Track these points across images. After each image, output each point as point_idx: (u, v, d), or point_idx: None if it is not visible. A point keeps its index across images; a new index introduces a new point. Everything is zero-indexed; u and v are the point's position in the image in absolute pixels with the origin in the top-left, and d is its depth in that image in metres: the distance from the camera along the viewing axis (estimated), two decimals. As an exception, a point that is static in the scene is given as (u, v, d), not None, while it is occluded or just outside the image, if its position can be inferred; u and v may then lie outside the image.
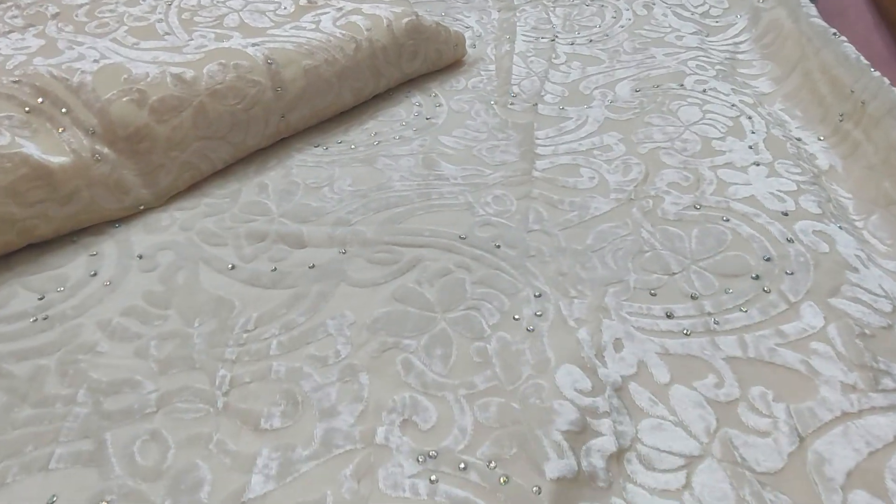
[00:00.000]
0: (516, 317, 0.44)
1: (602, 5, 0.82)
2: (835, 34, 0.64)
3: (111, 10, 0.65)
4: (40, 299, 0.46)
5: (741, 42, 0.76)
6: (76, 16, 0.64)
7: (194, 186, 0.57)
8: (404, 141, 0.60)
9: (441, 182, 0.55)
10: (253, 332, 0.44)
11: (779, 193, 0.53)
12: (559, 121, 0.63)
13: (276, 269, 0.48)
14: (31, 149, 0.49)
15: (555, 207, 0.53)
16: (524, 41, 0.75)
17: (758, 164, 0.56)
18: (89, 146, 0.51)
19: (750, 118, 0.62)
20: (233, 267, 0.48)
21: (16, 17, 0.64)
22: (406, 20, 0.66)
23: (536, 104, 0.65)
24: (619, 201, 0.53)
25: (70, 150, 0.50)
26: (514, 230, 0.51)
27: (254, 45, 0.60)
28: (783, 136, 0.60)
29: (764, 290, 0.45)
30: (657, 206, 0.53)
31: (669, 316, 0.44)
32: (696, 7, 0.81)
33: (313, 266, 0.48)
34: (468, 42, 0.75)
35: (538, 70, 0.70)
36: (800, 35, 0.68)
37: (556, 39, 0.76)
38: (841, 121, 0.59)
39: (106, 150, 0.51)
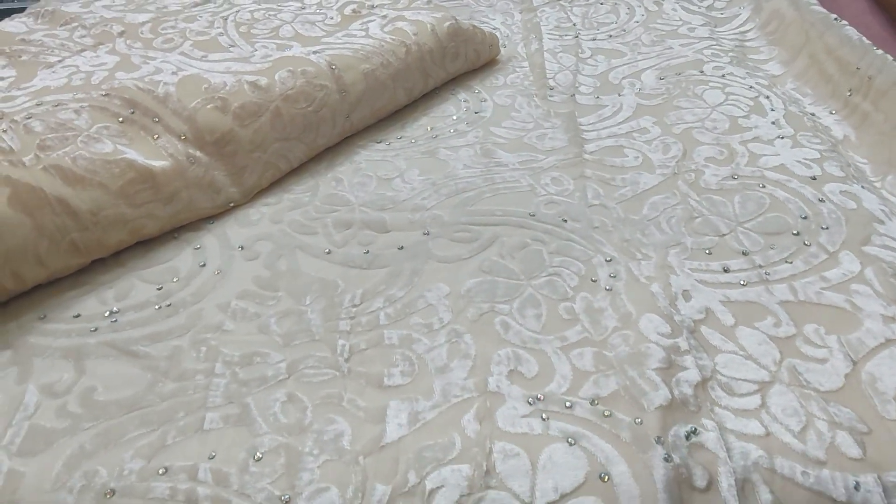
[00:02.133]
0: (594, 279, 0.49)
1: (615, 3, 0.87)
2: (836, 19, 0.70)
3: (172, 27, 0.69)
4: (159, 289, 0.50)
5: (747, 31, 0.81)
6: (141, 33, 0.68)
7: (274, 184, 0.61)
8: (459, 134, 0.65)
9: (501, 168, 0.60)
10: (360, 307, 0.48)
11: (805, 161, 0.58)
12: (597, 108, 0.68)
13: (367, 251, 0.53)
14: (133, 154, 0.53)
15: (608, 184, 0.58)
16: (550, 39, 0.80)
17: (782, 137, 0.62)
18: (183, 150, 0.55)
19: (768, 97, 0.67)
20: (329, 251, 0.53)
21: (84, 36, 0.68)
22: (447, 24, 0.71)
23: (574, 95, 0.70)
24: (664, 176, 0.59)
25: (167, 154, 0.54)
26: (576, 206, 0.56)
27: (315, 52, 0.64)
28: (799, 111, 0.65)
29: (805, 243, 0.51)
30: (699, 178, 0.58)
31: (726, 270, 0.49)
32: (701, 1, 0.87)
33: (402, 248, 0.53)
34: (499, 42, 0.80)
35: (568, 65, 0.75)
36: (802, 22, 0.74)
37: (580, 37, 0.81)
38: (850, 95, 0.65)
39: (198, 154, 0.55)
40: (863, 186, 0.55)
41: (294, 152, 0.61)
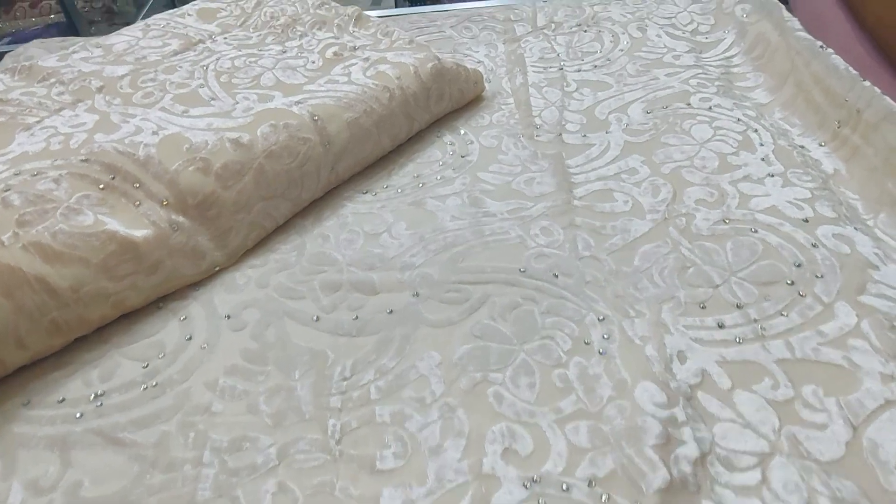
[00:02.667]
0: (587, 341, 0.47)
1: (599, 31, 0.85)
2: (822, 47, 0.69)
3: (152, 80, 0.67)
4: (145, 367, 0.48)
5: (732, 56, 0.80)
6: (120, 87, 0.66)
7: (260, 243, 0.59)
8: (446, 181, 0.63)
9: (490, 218, 0.59)
10: (351, 380, 0.46)
11: (796, 202, 0.57)
12: (584, 148, 0.66)
13: (357, 317, 0.51)
14: (115, 224, 0.51)
15: (598, 233, 0.56)
16: (535, 72, 0.79)
17: (772, 175, 0.60)
18: (165, 217, 0.53)
19: (756, 131, 0.66)
20: (317, 318, 0.51)
21: (62, 93, 0.66)
22: (430, 65, 0.69)
23: (560, 134, 0.68)
24: (655, 221, 0.57)
25: (149, 222, 0.52)
26: (567, 258, 0.54)
27: (297, 103, 0.62)
28: (788, 145, 0.64)
29: (799, 294, 0.49)
30: (690, 224, 0.56)
31: (721, 326, 0.48)
32: (685, 25, 0.85)
33: (391, 311, 0.51)
34: (484, 77, 0.78)
35: (554, 100, 0.73)
36: (788, 48, 0.73)
37: (564, 68, 0.79)
38: (839, 127, 0.64)
39: (181, 219, 0.53)
40: (856, 228, 0.54)
41: (279, 210, 0.59)
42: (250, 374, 0.47)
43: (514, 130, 0.70)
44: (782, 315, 0.48)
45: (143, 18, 1.88)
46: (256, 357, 0.49)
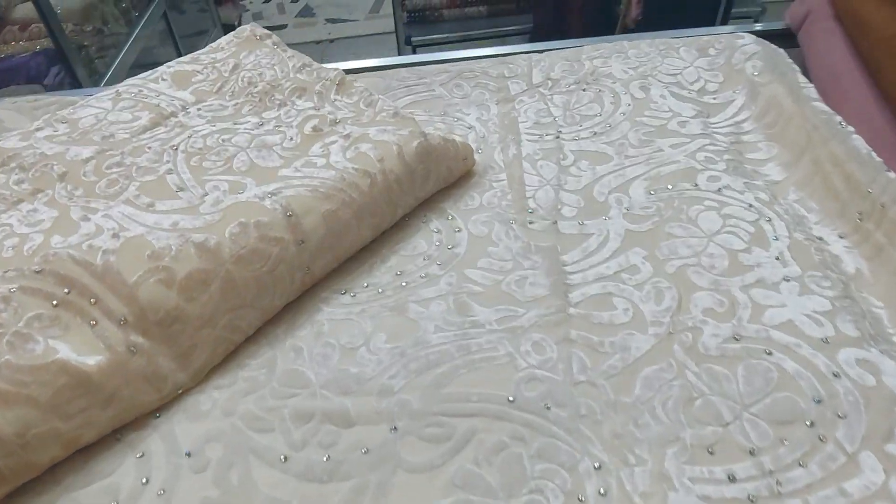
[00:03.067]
0: (581, 497, 0.42)
1: (599, 90, 0.79)
2: (841, 124, 0.63)
3: (118, 164, 0.62)
4: (94, 520, 0.44)
5: (743, 121, 0.74)
6: (84, 174, 0.61)
7: (228, 357, 0.54)
8: (430, 280, 0.58)
9: (477, 330, 0.53)
10: (318, 541, 0.42)
11: (815, 315, 0.52)
12: (581, 239, 0.61)
13: (328, 457, 0.46)
14: (66, 351, 0.46)
15: (596, 351, 0.51)
16: (529, 141, 0.73)
17: (788, 280, 0.55)
18: (123, 339, 0.48)
19: (769, 220, 0.60)
20: (285, 459, 0.46)
21: (22, 181, 0.61)
22: (416, 143, 0.63)
23: (556, 221, 0.63)
24: (658, 337, 0.52)
25: (105, 346, 0.47)
26: (561, 384, 0.49)
27: (270, 194, 0.57)
28: (805, 238, 0.58)
29: (820, 438, 0.44)
30: (697, 340, 0.51)
31: (732, 479, 0.43)
32: (691, 83, 0.79)
33: (366, 451, 0.46)
34: (474, 146, 0.73)
35: (549, 177, 0.68)
36: (804, 120, 0.67)
37: (561, 135, 0.73)
38: (860, 220, 0.58)
39: (140, 340, 0.49)
40: (881, 350, 0.48)
41: (248, 320, 0.54)
42: (208, 533, 0.43)
43: (506, 215, 0.64)
44: (800, 466, 0.43)
45: (134, 37, 1.82)
46: (216, 509, 0.44)
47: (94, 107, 0.71)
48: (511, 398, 0.48)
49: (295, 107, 0.70)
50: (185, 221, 0.55)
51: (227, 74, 0.75)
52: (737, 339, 0.51)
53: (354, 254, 0.62)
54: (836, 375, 0.47)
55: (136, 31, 1.82)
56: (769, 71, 0.76)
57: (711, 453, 0.44)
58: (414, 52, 2.07)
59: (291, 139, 0.66)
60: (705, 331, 0.52)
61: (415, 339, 0.53)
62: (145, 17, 1.84)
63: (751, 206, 0.62)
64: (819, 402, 0.46)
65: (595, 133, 0.74)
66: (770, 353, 0.49)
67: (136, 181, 0.60)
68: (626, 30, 1.86)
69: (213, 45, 0.81)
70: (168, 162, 0.62)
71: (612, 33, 1.87)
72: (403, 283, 0.58)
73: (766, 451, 0.44)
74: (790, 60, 0.75)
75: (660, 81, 0.79)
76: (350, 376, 0.51)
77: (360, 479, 0.45)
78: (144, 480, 0.46)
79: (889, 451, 0.43)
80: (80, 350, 0.47)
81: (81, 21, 1.77)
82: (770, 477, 0.43)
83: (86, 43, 1.75)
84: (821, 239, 0.60)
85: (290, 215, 0.56)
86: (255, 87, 0.73)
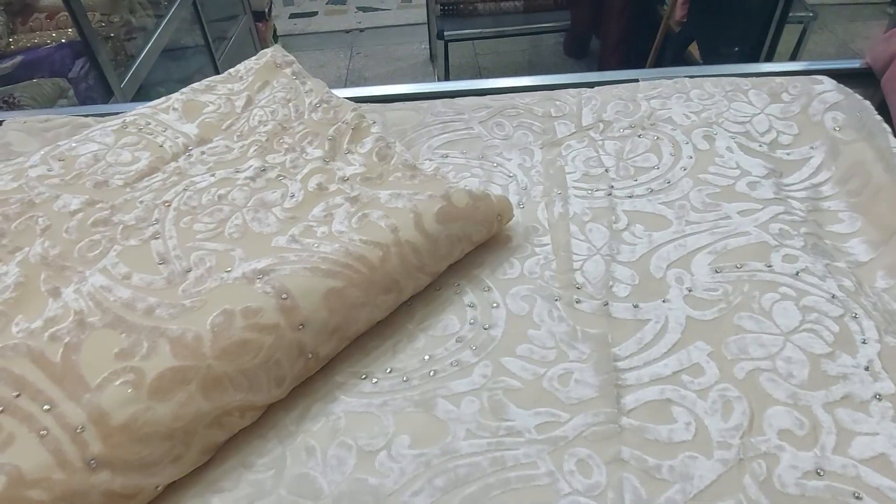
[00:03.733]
0: None
1: (657, 137, 0.72)
2: (945, 204, 0.55)
3: (104, 222, 0.56)
4: None
5: (821, 184, 0.66)
6: (66, 231, 0.56)
7: (233, 450, 0.48)
8: (462, 370, 0.52)
9: (514, 439, 0.47)
10: None
11: (913, 450, 0.44)
12: (636, 327, 0.54)
13: None
14: (14, 476, 0.40)
15: (652, 478, 0.44)
16: (577, 197, 0.66)
17: (879, 398, 0.47)
18: (79, 454, 0.42)
19: (856, 317, 0.52)
20: None
21: (4, 234, 0.56)
22: (437, 208, 0.56)
23: (607, 302, 0.56)
24: (725, 464, 0.45)
25: (57, 462, 0.41)
26: (610, 521, 0.42)
27: (261, 274, 0.50)
28: (899, 342, 0.50)
29: None
30: (772, 472, 0.44)
31: None
32: (762, 134, 0.71)
33: None
34: (515, 198, 0.65)
35: (600, 245, 0.61)
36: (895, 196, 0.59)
37: (613, 191, 0.66)
38: (967, 325, 0.50)
39: (98, 449, 0.42)
40: None
41: (240, 414, 0.48)
42: None
43: (550, 290, 0.57)
44: None
45: (162, 27, 1.76)
46: None
47: (96, 142, 0.65)
48: (552, 535, 0.42)
49: (304, 154, 0.64)
50: (161, 309, 0.49)
51: (238, 111, 0.69)
52: (819, 475, 0.44)
53: (376, 326, 0.55)
54: (941, 536, 0.40)
55: (164, 21, 1.76)
56: (854, 128, 0.67)
57: None
58: (446, 47, 1.99)
59: (293, 196, 0.59)
60: (782, 460, 0.45)
61: (443, 445, 0.47)
62: (174, 6, 1.78)
63: (834, 296, 0.54)
64: (922, 570, 0.39)
65: (651, 190, 0.66)
66: (860, 498, 0.42)
67: (118, 245, 0.55)
68: (670, 31, 1.77)
69: (233, 71, 0.75)
70: (157, 223, 0.57)
71: (655, 34, 1.77)
72: (431, 372, 0.52)
73: None
74: (879, 117, 0.67)
75: (726, 131, 0.71)
76: (368, 489, 0.45)
77: None
78: None
79: None
80: (29, 472, 0.40)
81: (108, 11, 1.71)
82: None
83: (112, 34, 1.70)
84: (917, 342, 0.52)
85: (284, 298, 0.49)
86: (265, 125, 0.66)
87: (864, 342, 0.51)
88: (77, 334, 0.47)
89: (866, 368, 0.49)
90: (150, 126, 0.67)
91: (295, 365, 0.49)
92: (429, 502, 0.44)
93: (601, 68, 2.07)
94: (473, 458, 0.46)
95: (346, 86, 2.39)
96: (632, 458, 0.46)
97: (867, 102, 0.70)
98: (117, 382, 0.44)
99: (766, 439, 0.46)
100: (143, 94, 1.55)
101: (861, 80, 0.81)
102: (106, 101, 1.41)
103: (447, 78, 2.03)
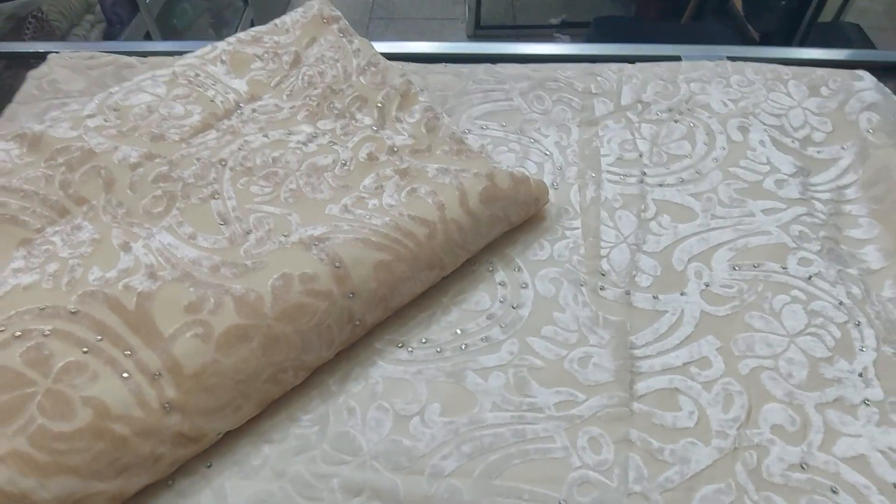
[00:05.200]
0: None
1: (692, 124, 0.75)
2: (961, 225, 0.59)
3: (164, 178, 0.61)
4: (147, 574, 0.47)
5: (846, 186, 0.70)
6: (130, 188, 0.60)
7: (282, 405, 0.55)
8: (491, 346, 0.58)
9: (534, 414, 0.54)
10: None
11: (890, 453, 0.51)
12: (654, 317, 0.60)
13: (374, 541, 0.48)
14: (101, 412, 0.47)
15: (654, 459, 0.52)
16: (610, 182, 0.70)
17: (868, 404, 0.54)
18: (157, 397, 0.48)
19: (859, 325, 0.58)
20: (332, 535, 0.48)
21: (68, 183, 0.60)
22: (481, 188, 0.61)
23: (629, 292, 0.61)
24: (721, 451, 0.52)
25: (139, 403, 0.48)
26: (614, 493, 0.50)
27: (317, 242, 0.56)
28: (894, 353, 0.56)
29: None
30: (762, 461, 0.51)
31: None
32: (796, 130, 0.74)
33: (413, 539, 0.48)
34: (550, 178, 0.70)
35: (627, 233, 0.65)
36: (917, 208, 0.63)
37: (645, 178, 0.70)
38: (959, 343, 0.56)
39: (174, 395, 0.49)
40: (952, 506, 0.48)
41: (293, 372, 0.55)
42: None
43: (576, 275, 0.63)
44: None
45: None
46: (264, 580, 0.46)
47: (148, 93, 0.68)
48: (563, 501, 0.49)
49: (354, 121, 0.68)
50: (225, 268, 0.54)
51: (287, 68, 0.72)
52: (803, 469, 0.51)
53: (413, 299, 0.61)
54: (900, 531, 0.47)
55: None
56: (886, 132, 0.70)
57: None
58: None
59: (345, 164, 0.64)
60: (772, 452, 0.52)
61: (471, 415, 0.54)
62: None
63: (841, 303, 0.60)
64: (878, 558, 0.46)
65: (682, 180, 0.70)
66: (836, 492, 0.49)
67: (179, 202, 0.59)
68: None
69: (278, 22, 0.76)
70: (215, 182, 0.61)
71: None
72: (463, 346, 0.58)
73: None
74: (915, 125, 0.70)
75: (762, 123, 0.74)
76: (402, 451, 0.52)
77: (405, 571, 0.47)
78: (196, 538, 0.49)
79: None
80: (114, 407, 0.47)
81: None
82: None
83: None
84: (910, 353, 0.57)
85: (338, 266, 0.55)
86: (315, 88, 0.70)
87: (862, 349, 0.57)
88: (149, 285, 0.52)
89: (860, 375, 0.55)
90: (199, 78, 0.70)
91: (343, 330, 0.56)
92: (456, 466, 0.51)
93: (639, 10, 2.03)
94: (497, 429, 0.53)
95: (371, 13, 2.34)
96: (638, 440, 0.53)
97: (904, 106, 0.73)
98: (188, 334, 0.50)
99: (760, 432, 0.53)
100: (167, 9, 1.55)
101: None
102: (131, 17, 1.41)
103: (479, 9, 1.99)
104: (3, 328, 0.49)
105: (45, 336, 0.49)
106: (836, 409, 0.54)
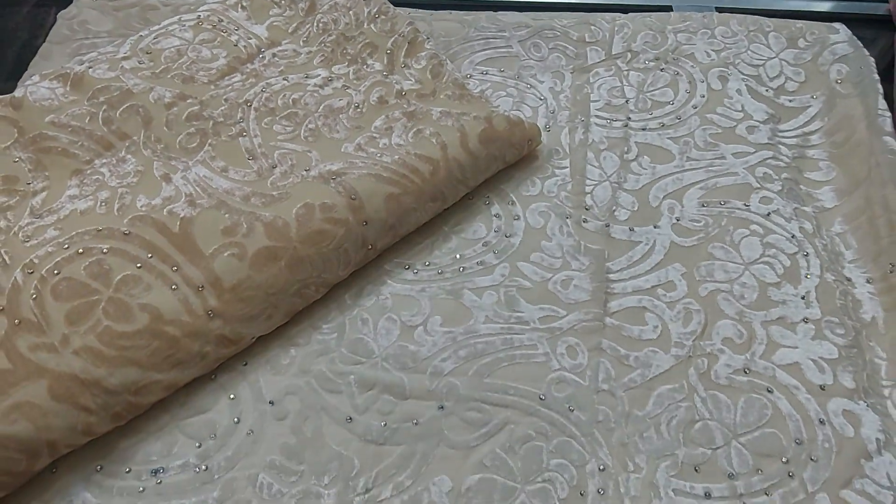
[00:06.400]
0: (582, 492, 0.56)
1: (676, 73, 0.82)
2: (904, 168, 0.67)
3: (196, 116, 0.69)
4: (198, 447, 0.58)
5: (812, 133, 0.78)
6: (167, 125, 0.68)
7: (304, 315, 0.65)
8: (486, 269, 0.68)
9: (521, 326, 0.64)
10: (372, 492, 0.56)
11: (820, 362, 0.61)
12: (629, 247, 0.69)
13: (385, 423, 0.59)
14: (156, 316, 0.57)
15: (621, 364, 0.62)
16: (597, 126, 0.78)
17: (806, 321, 0.64)
18: (201, 305, 0.58)
19: (806, 255, 0.67)
20: (350, 419, 0.59)
21: (111, 120, 0.68)
22: (480, 130, 0.69)
23: (609, 224, 0.70)
24: (678, 358, 0.62)
25: (187, 310, 0.58)
26: (586, 391, 0.60)
27: (335, 176, 0.64)
28: (835, 279, 0.66)
29: (789, 475, 0.56)
30: (711, 367, 0.61)
31: (707, 496, 0.55)
32: (771, 79, 0.82)
33: (416, 423, 0.59)
34: (543, 121, 0.78)
35: (610, 172, 0.74)
36: (869, 153, 0.71)
37: (630, 123, 0.78)
38: (891, 272, 0.65)
39: (215, 304, 0.59)
40: (868, 405, 0.59)
41: (314, 289, 0.64)
42: (286, 473, 0.57)
43: (563, 209, 0.72)
44: (766, 495, 0.55)
45: None
46: (293, 453, 0.58)
47: (177, 37, 0.76)
48: (542, 396, 0.60)
49: (365, 66, 0.75)
50: (255, 198, 0.63)
51: (302, 14, 0.79)
52: (746, 373, 0.61)
53: (418, 227, 0.71)
54: (821, 422, 0.58)
55: None
56: (852, 82, 0.78)
57: (697, 471, 0.57)
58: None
59: (357, 106, 0.72)
60: (720, 359, 0.62)
61: (466, 326, 0.64)
62: None
63: (793, 237, 0.69)
64: (799, 443, 0.57)
65: (663, 125, 0.78)
66: (771, 392, 0.60)
67: (211, 139, 0.68)
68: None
69: (294, -31, 0.83)
70: (241, 121, 0.69)
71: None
72: (461, 269, 0.68)
73: (742, 477, 0.56)
74: (877, 76, 0.77)
75: (740, 73, 0.82)
76: (408, 354, 0.63)
77: (409, 446, 0.58)
78: (236, 420, 0.60)
79: (843, 497, 0.55)
80: (166, 312, 0.57)
81: None
82: (738, 499, 0.55)
83: None
84: (849, 280, 0.67)
85: (353, 199, 0.64)
86: (329, 35, 0.77)
87: (807, 276, 0.67)
88: (190, 211, 0.61)
89: (802, 298, 0.65)
90: (223, 24, 0.78)
91: (358, 253, 0.65)
92: (453, 367, 0.62)
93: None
94: (489, 338, 0.64)
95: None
96: (608, 348, 0.63)
97: (871, 59, 0.80)
98: (225, 254, 0.60)
99: (712, 343, 0.63)
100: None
101: (887, 25, 0.89)
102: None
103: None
104: (66, 246, 0.59)
105: (104, 253, 0.59)
106: (778, 325, 0.64)
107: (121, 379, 0.56)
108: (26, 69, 0.85)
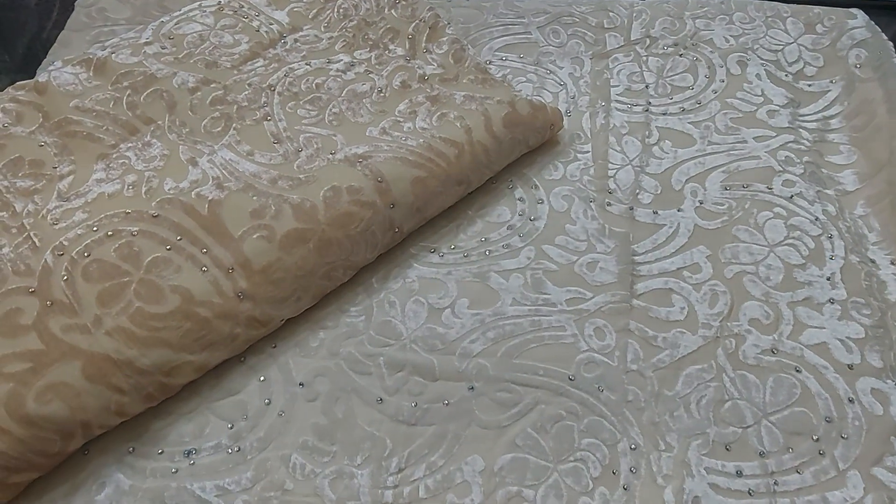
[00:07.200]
0: (615, 471, 0.56)
1: (696, 58, 0.83)
2: (926, 152, 0.68)
3: (220, 101, 0.69)
4: (230, 428, 0.58)
5: (832, 117, 0.78)
6: (191, 109, 0.68)
7: (332, 298, 0.65)
8: (511, 252, 0.68)
9: (548, 308, 0.64)
10: (404, 472, 0.56)
11: (848, 342, 0.62)
12: (653, 230, 0.69)
13: (416, 404, 0.59)
14: (187, 298, 0.57)
15: (649, 345, 0.62)
16: (618, 110, 0.78)
17: (833, 302, 0.64)
18: (231, 287, 0.59)
19: (830, 237, 0.68)
20: (381, 400, 0.59)
21: (135, 105, 0.68)
22: (504, 114, 0.70)
23: (633, 207, 0.71)
24: (705, 339, 0.63)
25: (217, 292, 0.58)
26: (615, 371, 0.61)
27: (360, 159, 0.64)
28: (860, 261, 0.67)
29: (820, 452, 0.56)
30: (739, 348, 0.62)
31: (739, 474, 0.56)
32: (790, 64, 0.82)
33: (447, 403, 0.59)
34: (563, 106, 0.78)
35: (633, 156, 0.74)
36: (889, 137, 0.72)
37: (650, 108, 0.79)
38: (915, 253, 0.66)
39: (245, 286, 0.59)
40: None
41: (341, 272, 0.65)
42: (319, 453, 0.57)
43: (586, 192, 0.72)
44: (797, 472, 0.56)
45: None
46: (325, 434, 0.58)
47: (199, 22, 0.76)
48: (571, 377, 0.61)
49: (387, 52, 0.75)
50: (282, 181, 0.63)
51: (322, 1, 0.79)
52: (773, 353, 0.62)
53: (444, 210, 0.71)
54: (850, 401, 0.59)
55: None
56: (872, 67, 0.78)
57: (728, 450, 0.57)
58: None
59: (380, 91, 0.72)
60: (748, 339, 0.62)
61: (494, 308, 0.65)
62: None
63: (817, 219, 0.69)
64: (829, 421, 0.58)
65: (684, 110, 0.79)
66: (799, 371, 0.60)
67: (235, 123, 0.68)
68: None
69: (313, -45, 0.83)
70: (265, 105, 0.69)
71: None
72: (487, 252, 0.68)
73: (773, 455, 0.57)
74: (896, 60, 0.78)
75: (759, 58, 0.82)
76: (437, 336, 0.63)
77: (441, 426, 0.58)
78: (267, 401, 0.60)
79: (873, 474, 0.55)
80: (197, 294, 0.57)
81: None
82: (770, 477, 0.56)
83: None
84: (873, 262, 0.68)
85: (380, 181, 0.64)
86: (350, 21, 0.77)
87: (832, 258, 0.67)
88: (218, 194, 0.61)
89: (828, 279, 0.66)
90: (243, 10, 0.78)
91: (385, 236, 0.65)
92: (482, 348, 0.62)
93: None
94: (517, 319, 0.64)
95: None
96: (636, 329, 0.63)
97: (890, 44, 0.80)
98: (255, 236, 0.60)
99: (739, 324, 0.63)
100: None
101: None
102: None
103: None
104: (95, 228, 0.59)
105: (133, 235, 0.59)
106: (805, 306, 0.64)
107: (153, 359, 0.56)
108: (35, 61, 0.85)
